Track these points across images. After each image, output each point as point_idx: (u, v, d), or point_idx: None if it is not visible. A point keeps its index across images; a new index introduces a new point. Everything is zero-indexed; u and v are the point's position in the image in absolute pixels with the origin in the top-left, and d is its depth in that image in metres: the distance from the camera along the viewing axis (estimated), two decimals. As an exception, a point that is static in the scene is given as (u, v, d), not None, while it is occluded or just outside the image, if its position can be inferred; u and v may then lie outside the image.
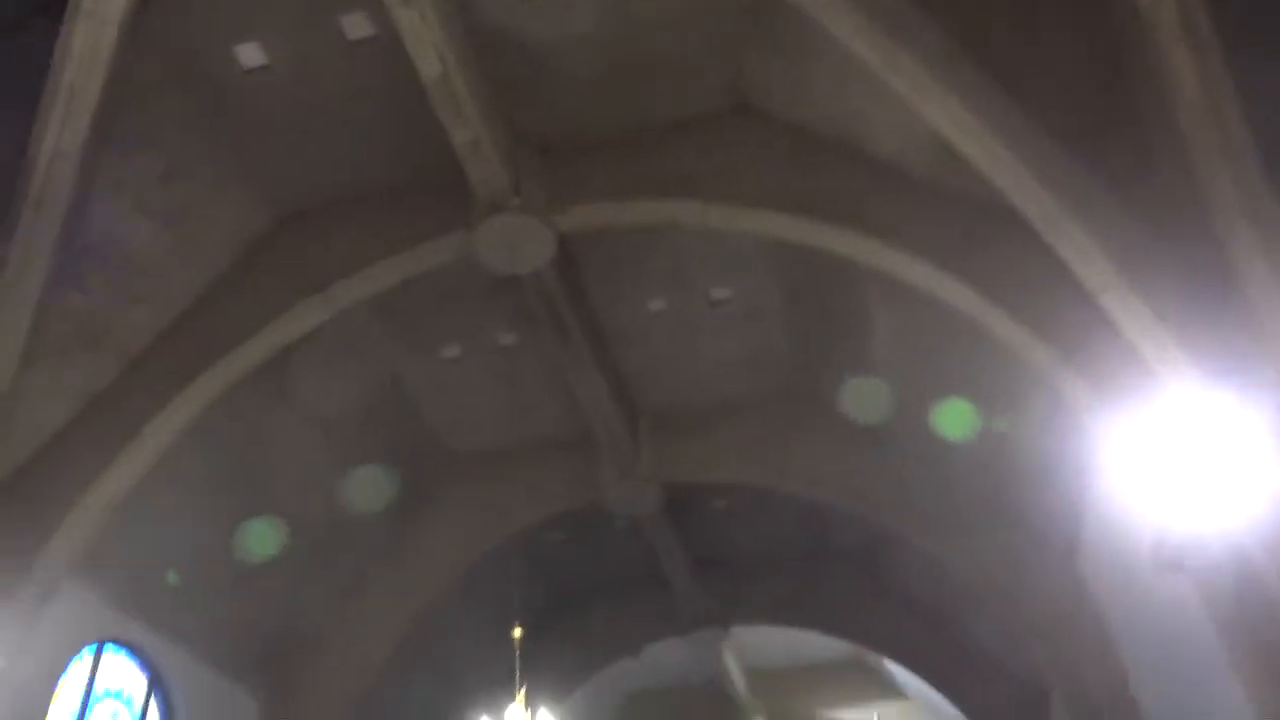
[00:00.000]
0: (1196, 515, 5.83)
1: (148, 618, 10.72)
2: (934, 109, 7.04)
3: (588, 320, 10.89)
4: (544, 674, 15.80)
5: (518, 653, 11.49)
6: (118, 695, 10.73)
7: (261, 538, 11.38)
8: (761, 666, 18.94)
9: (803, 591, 16.00)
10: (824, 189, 8.79)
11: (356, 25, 8.00)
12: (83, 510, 8.63)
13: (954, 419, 10.61)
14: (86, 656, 10.22)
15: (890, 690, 18.35)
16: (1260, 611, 5.40)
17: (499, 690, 13.14)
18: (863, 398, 11.77)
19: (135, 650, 10.90)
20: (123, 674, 10.84)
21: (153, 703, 11.09)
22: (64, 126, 7.40)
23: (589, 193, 9.07)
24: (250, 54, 8.22)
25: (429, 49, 7.37)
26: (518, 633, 11.64)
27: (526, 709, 10.50)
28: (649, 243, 10.29)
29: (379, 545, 13.11)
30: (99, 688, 10.36)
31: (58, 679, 9.57)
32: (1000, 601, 11.49)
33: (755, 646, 18.01)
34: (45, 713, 9.34)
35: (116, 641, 10.60)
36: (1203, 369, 5.87)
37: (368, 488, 12.50)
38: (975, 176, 7.19)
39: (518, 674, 11.04)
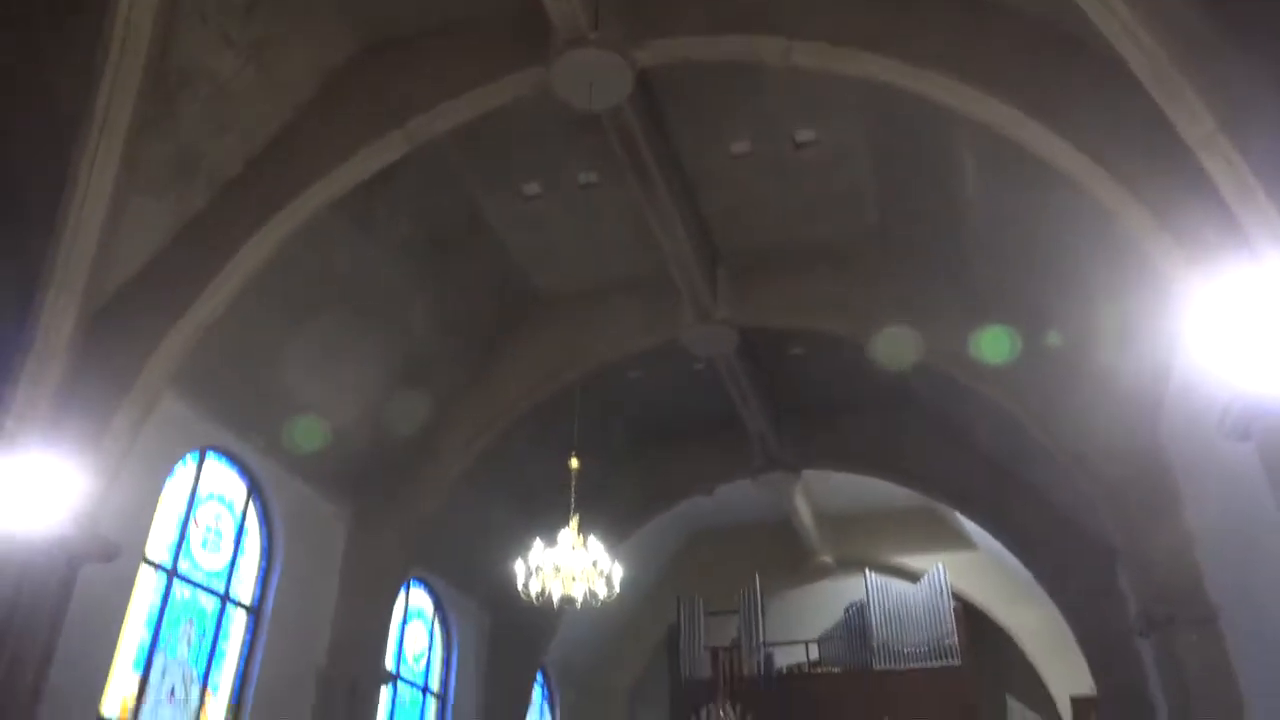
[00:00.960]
0: (1270, 383, 5.63)
1: (245, 431, 11.52)
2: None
3: (668, 161, 10.75)
4: (615, 507, 16.57)
5: (574, 482, 11.94)
6: (220, 499, 11.67)
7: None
8: (831, 511, 19.34)
9: (877, 440, 16.04)
10: (918, 27, 8.34)
11: None
12: (177, 332, 9.07)
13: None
14: (190, 464, 11.10)
15: (958, 540, 18.60)
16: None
17: (554, 524, 13.80)
18: (948, 249, 11.51)
19: (234, 459, 11.77)
20: (224, 481, 11.75)
21: (252, 508, 12.04)
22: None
23: (669, 26, 8.75)
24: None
25: None
26: (575, 463, 12.08)
27: (578, 535, 10.95)
28: (733, 82, 10.01)
29: (461, 376, 13.58)
30: (203, 491, 11.31)
31: (163, 482, 10.40)
32: (1074, 460, 11.35)
33: (826, 491, 18.40)
34: (154, 512, 10.23)
35: (217, 450, 11.45)
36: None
37: (452, 319, 12.90)
38: (1078, 16, 6.76)
39: (572, 502, 11.52)
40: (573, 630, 17.42)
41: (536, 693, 17.85)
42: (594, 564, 10.71)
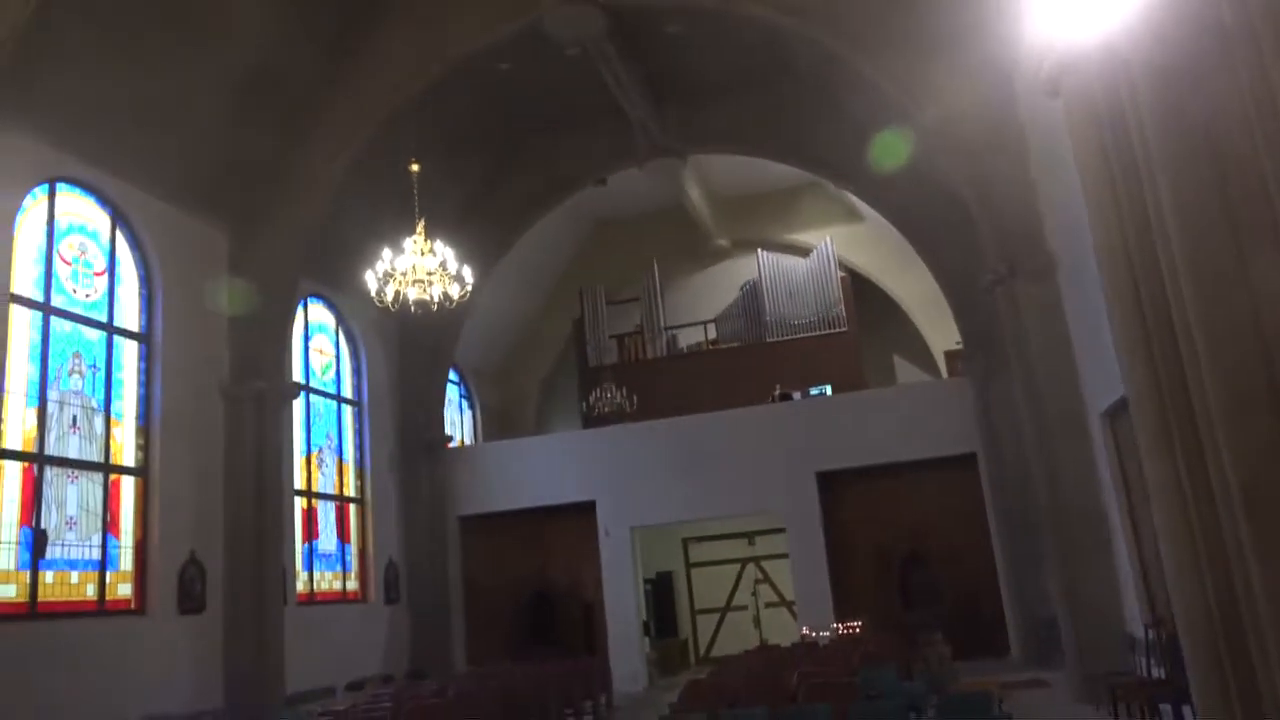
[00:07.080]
0: (1077, 34, 5.05)
1: (97, 158, 11.39)
2: None
3: None
4: (508, 201, 17.02)
5: (415, 188, 11.69)
6: (82, 230, 11.70)
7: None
8: (723, 193, 19.94)
9: (759, 118, 16.11)
10: None
11: None
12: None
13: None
14: (40, 197, 11.01)
15: (846, 214, 19.34)
16: (1118, 138, 4.81)
17: (446, 221, 14.00)
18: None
19: (89, 188, 11.71)
20: (83, 210, 11.73)
21: (121, 237, 12.14)
22: None
23: None
24: None
25: None
26: (415, 167, 11.84)
27: (424, 240, 10.97)
28: None
29: (319, 78, 13.22)
30: (61, 224, 11.30)
31: (14, 219, 10.44)
32: (939, 121, 11.90)
33: (716, 174, 18.93)
34: (10, 249, 10.34)
35: (67, 180, 11.33)
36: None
37: (292, 27, 12.36)
38: None
39: (416, 207, 11.41)
40: (483, 331, 18.45)
41: (454, 392, 19.11)
42: (442, 266, 10.86)
